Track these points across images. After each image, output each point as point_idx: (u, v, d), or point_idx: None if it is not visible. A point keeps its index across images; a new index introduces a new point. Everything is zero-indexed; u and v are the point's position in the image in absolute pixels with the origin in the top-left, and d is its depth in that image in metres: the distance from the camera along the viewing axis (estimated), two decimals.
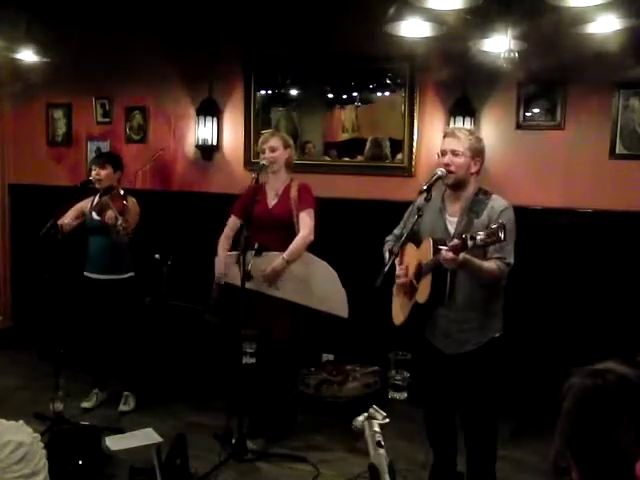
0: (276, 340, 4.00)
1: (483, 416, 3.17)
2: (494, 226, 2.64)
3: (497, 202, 3.06)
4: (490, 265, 2.94)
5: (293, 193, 4.02)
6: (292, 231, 3.98)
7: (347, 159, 5.30)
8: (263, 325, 4.06)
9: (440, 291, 3.00)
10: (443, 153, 3.08)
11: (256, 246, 3.86)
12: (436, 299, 3.01)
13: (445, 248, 2.79)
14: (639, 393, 1.13)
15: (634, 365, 1.18)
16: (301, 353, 4.26)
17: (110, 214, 4.03)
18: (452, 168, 3.04)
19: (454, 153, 3.05)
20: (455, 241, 2.78)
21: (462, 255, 2.76)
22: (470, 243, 2.69)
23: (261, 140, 4.13)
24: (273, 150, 4.00)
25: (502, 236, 2.60)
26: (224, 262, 4.06)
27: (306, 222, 3.97)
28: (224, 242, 4.14)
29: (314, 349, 4.96)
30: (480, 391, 3.13)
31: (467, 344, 3.08)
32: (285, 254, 3.91)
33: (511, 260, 2.99)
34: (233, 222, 4.14)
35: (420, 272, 3.06)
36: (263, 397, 4.12)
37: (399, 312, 3.27)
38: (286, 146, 4.04)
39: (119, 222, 3.98)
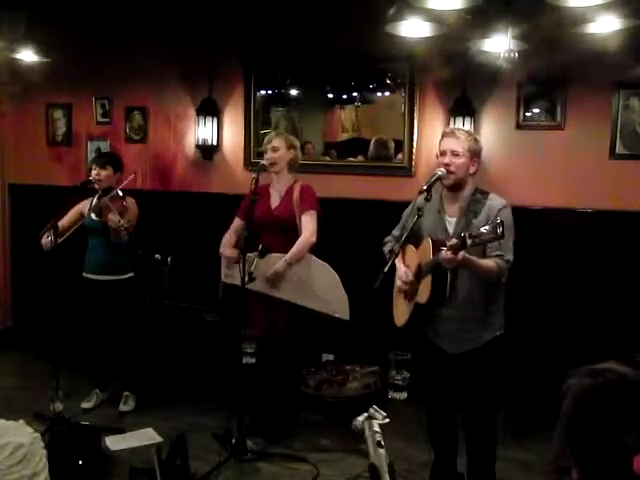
0: (280, 339, 4.00)
1: (484, 415, 3.18)
2: (492, 224, 2.65)
3: (495, 201, 3.06)
4: (489, 263, 2.95)
5: (295, 195, 4.00)
6: (295, 233, 3.97)
7: (348, 159, 5.29)
8: (267, 325, 4.06)
9: (440, 291, 3.00)
10: (443, 153, 3.08)
11: (260, 247, 3.85)
12: (437, 299, 3.01)
13: (444, 248, 2.79)
14: (639, 392, 1.13)
15: (634, 365, 1.18)
16: (303, 353, 4.26)
17: (112, 217, 4.02)
18: (452, 168, 3.04)
19: (454, 153, 3.05)
20: (454, 240, 2.78)
21: (461, 254, 2.76)
22: (469, 242, 2.70)
23: (266, 139, 4.12)
24: (275, 150, 3.99)
25: (500, 233, 2.60)
26: (229, 261, 4.05)
27: (308, 224, 3.96)
28: (227, 240, 4.10)
29: (314, 349, 4.95)
30: (482, 390, 3.13)
31: (469, 342, 3.09)
32: (287, 256, 3.91)
33: (510, 257, 2.99)
34: (237, 223, 4.13)
35: (420, 273, 3.07)
36: (266, 397, 4.12)
37: (401, 313, 3.27)
38: (289, 147, 4.02)
39: (122, 223, 3.98)
